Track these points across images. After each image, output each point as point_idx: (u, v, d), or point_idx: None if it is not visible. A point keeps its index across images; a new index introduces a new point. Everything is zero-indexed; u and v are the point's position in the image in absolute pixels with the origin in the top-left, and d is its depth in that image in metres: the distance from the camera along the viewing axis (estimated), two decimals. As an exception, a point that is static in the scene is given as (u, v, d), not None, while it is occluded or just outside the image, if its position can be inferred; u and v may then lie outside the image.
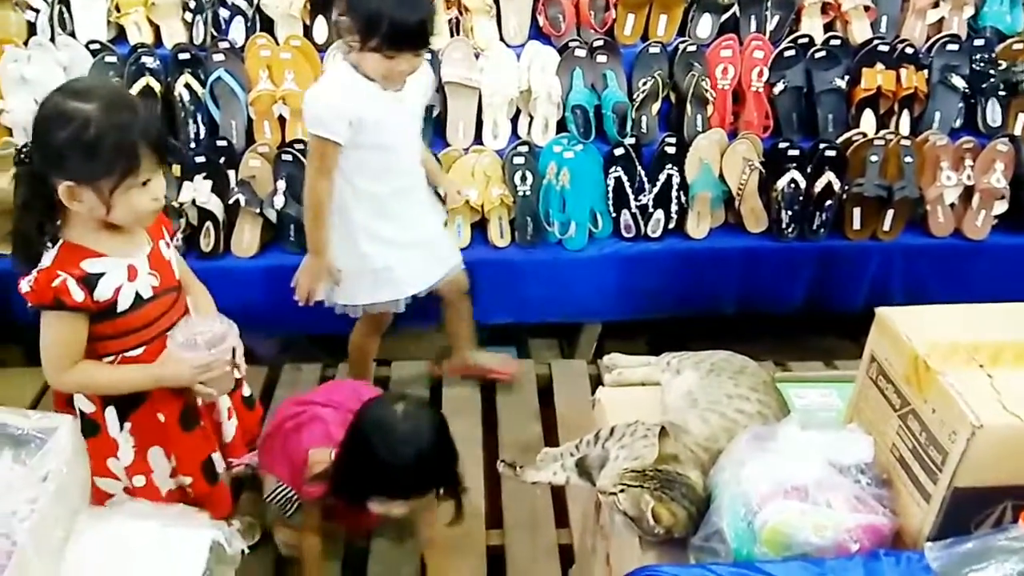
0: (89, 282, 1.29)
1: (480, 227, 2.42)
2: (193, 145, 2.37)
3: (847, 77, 2.49)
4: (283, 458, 1.68)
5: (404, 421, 1.50)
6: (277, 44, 2.43)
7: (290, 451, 1.66)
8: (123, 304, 1.34)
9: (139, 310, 1.36)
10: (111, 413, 1.42)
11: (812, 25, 2.58)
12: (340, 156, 1.84)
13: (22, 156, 1.27)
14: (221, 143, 2.34)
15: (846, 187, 2.40)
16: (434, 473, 1.55)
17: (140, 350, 1.40)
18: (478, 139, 2.47)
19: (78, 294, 1.28)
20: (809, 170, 2.40)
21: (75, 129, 1.21)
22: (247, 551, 1.23)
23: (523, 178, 2.38)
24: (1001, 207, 2.46)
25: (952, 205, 2.46)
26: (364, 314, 2.10)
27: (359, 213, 1.94)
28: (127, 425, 1.44)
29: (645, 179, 2.41)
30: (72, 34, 2.46)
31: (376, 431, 1.49)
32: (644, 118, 2.47)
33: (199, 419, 1.52)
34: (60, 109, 1.22)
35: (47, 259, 1.29)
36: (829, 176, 2.37)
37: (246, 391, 1.66)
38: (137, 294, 1.35)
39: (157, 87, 2.35)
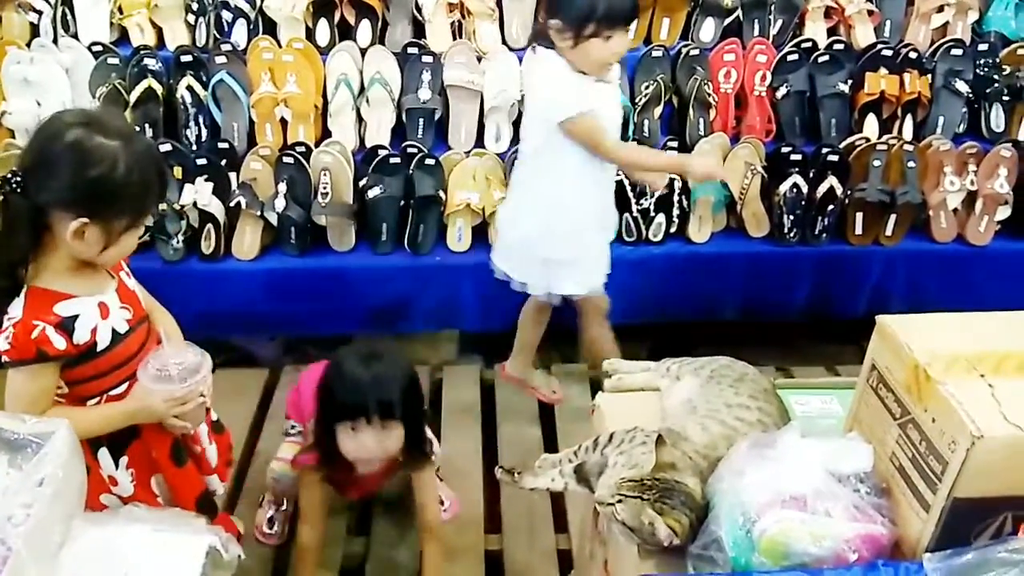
0: (66, 327, 1.25)
1: (481, 230, 2.42)
2: (195, 147, 2.37)
3: (850, 81, 2.48)
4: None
5: (364, 350, 1.62)
6: (279, 47, 2.43)
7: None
8: (102, 343, 1.30)
9: (118, 346, 1.33)
10: (104, 454, 1.39)
11: (815, 29, 2.57)
12: (573, 147, 1.91)
13: (13, 184, 1.20)
14: (223, 145, 2.34)
15: (848, 192, 2.39)
16: (392, 394, 1.55)
17: (123, 387, 1.36)
18: (480, 142, 2.46)
19: (59, 342, 1.23)
20: (811, 175, 2.39)
21: (105, 168, 1.18)
22: (243, 556, 1.23)
23: (525, 181, 2.37)
24: (1004, 213, 2.45)
25: (955, 210, 2.45)
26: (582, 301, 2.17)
27: (590, 201, 2.03)
28: (123, 459, 1.41)
29: (646, 185, 2.40)
30: (75, 36, 2.46)
31: (338, 360, 1.59)
32: (646, 122, 2.46)
33: (189, 452, 1.50)
34: (85, 146, 1.19)
35: (16, 309, 1.23)
36: (831, 181, 2.36)
37: (214, 415, 1.63)
38: (114, 331, 1.32)
39: (159, 89, 2.35)
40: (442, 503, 1.96)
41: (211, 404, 1.47)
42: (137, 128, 2.34)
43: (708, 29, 2.55)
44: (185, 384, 1.32)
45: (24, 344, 1.22)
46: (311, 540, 1.72)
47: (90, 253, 1.25)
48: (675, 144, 2.41)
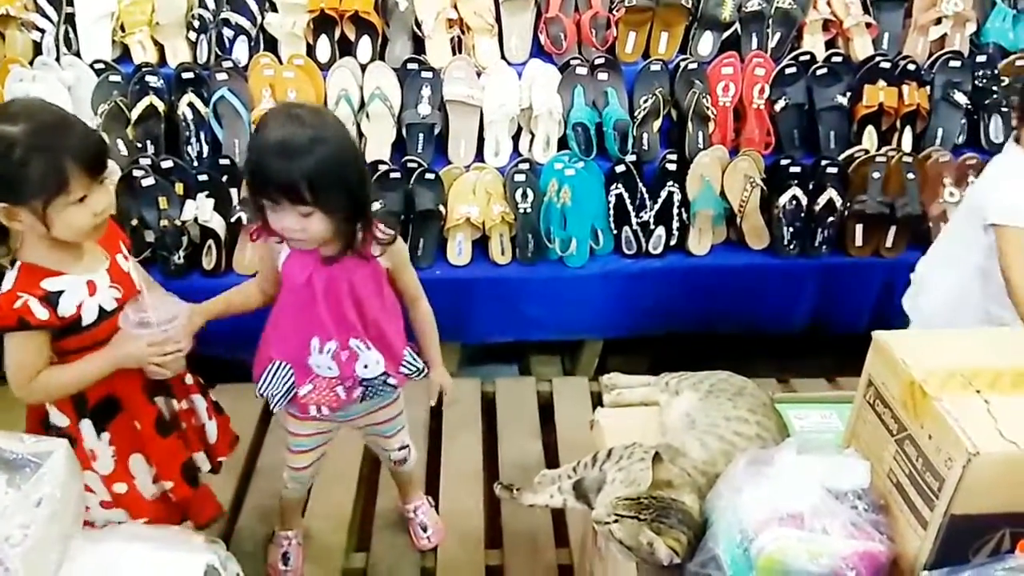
0: (51, 300, 1.32)
1: (481, 244, 2.43)
2: (196, 163, 2.38)
3: (849, 94, 2.49)
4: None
5: (286, 111, 1.36)
6: (280, 63, 2.44)
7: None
8: (88, 318, 1.36)
9: (104, 322, 1.38)
10: (87, 425, 1.44)
11: (814, 42, 2.58)
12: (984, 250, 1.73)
13: None
14: (224, 161, 2.35)
15: (848, 204, 2.39)
16: (297, 176, 1.29)
17: None
18: (479, 156, 2.47)
19: (41, 312, 1.30)
20: (811, 187, 2.40)
21: (1, 153, 1.23)
22: (241, 574, 1.23)
23: (524, 195, 2.38)
24: (1005, 224, 2.45)
25: (955, 222, 2.45)
26: None
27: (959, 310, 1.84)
28: (105, 435, 1.46)
29: (646, 196, 2.41)
30: (77, 54, 2.48)
31: (262, 122, 1.36)
32: (645, 135, 2.47)
33: (176, 424, 1.55)
34: None
35: (7, 282, 1.32)
36: (831, 193, 2.37)
37: (213, 396, 1.69)
38: (100, 308, 1.38)
39: (161, 106, 2.37)
40: (425, 529, 1.96)
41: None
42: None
43: (706, 43, 2.56)
44: (162, 329, 1.36)
45: (7, 313, 1.29)
46: (249, 286, 1.60)
47: (39, 231, 1.29)
48: (674, 157, 2.42)
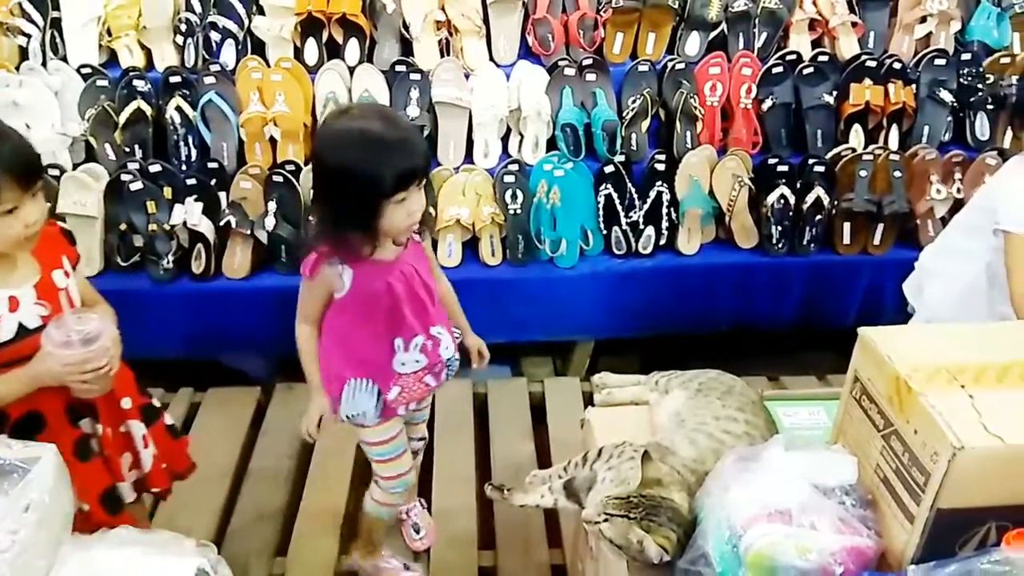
0: None
1: (471, 245, 2.43)
2: (184, 167, 2.37)
3: (835, 93, 2.51)
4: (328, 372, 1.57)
5: (366, 114, 1.40)
6: (268, 66, 2.44)
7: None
8: (4, 335, 1.32)
9: (24, 340, 1.34)
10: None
11: (800, 42, 2.60)
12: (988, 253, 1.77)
13: None
14: (212, 165, 2.35)
15: (835, 202, 2.41)
16: (423, 144, 1.41)
17: None
18: (469, 158, 2.48)
19: None
20: (798, 186, 2.41)
21: None
22: (233, 579, 1.22)
23: (514, 196, 2.38)
24: (991, 220, 2.47)
25: (942, 219, 2.46)
26: None
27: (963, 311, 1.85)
28: None
29: (635, 196, 2.42)
30: (64, 59, 2.47)
31: (355, 136, 1.35)
32: (634, 135, 2.48)
33: (99, 450, 1.50)
34: None
35: None
36: (818, 191, 2.38)
37: (167, 420, 1.65)
38: (21, 325, 1.33)
39: (148, 110, 2.36)
40: (418, 531, 1.96)
41: (113, 377, 1.41)
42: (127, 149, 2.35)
43: (693, 43, 2.57)
44: (85, 349, 1.33)
45: None
46: (314, 336, 1.56)
47: None
48: (663, 157, 2.43)
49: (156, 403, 1.62)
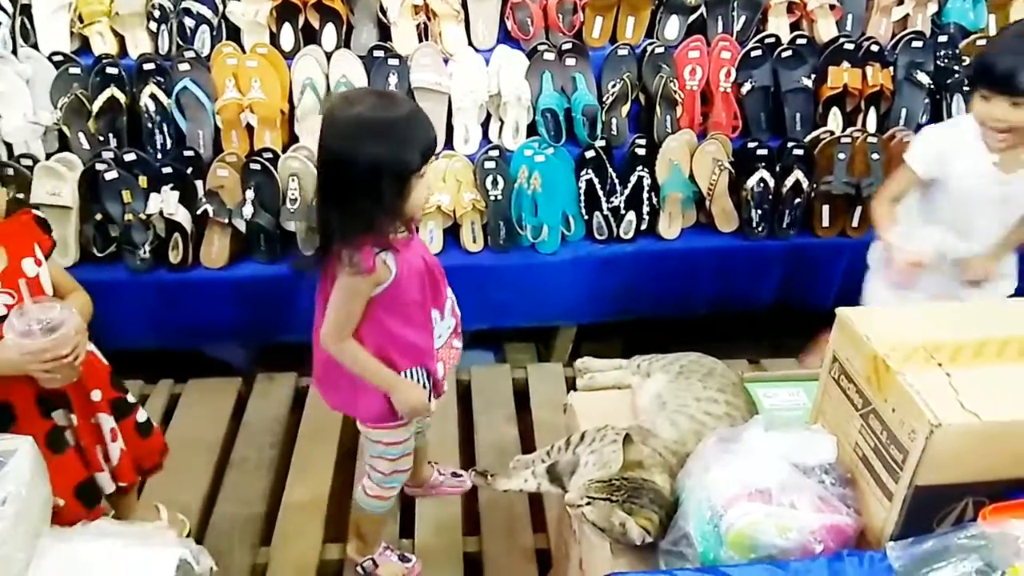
0: None
1: (452, 232, 2.42)
2: (160, 156, 2.34)
3: (814, 76, 2.51)
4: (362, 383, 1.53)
5: (363, 97, 1.40)
6: (243, 52, 2.41)
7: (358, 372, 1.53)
8: None
9: None
10: None
11: (778, 25, 2.60)
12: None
13: None
14: (188, 153, 2.32)
15: (814, 185, 2.42)
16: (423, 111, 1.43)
17: None
18: (449, 144, 2.46)
19: None
20: (778, 169, 2.42)
21: None
22: (215, 568, 1.22)
23: (495, 182, 2.37)
24: (967, 202, 2.49)
25: (920, 200, 2.49)
26: None
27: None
28: None
29: (616, 181, 2.41)
30: (35, 46, 2.42)
31: (368, 121, 1.34)
32: (614, 120, 2.47)
33: (73, 442, 1.49)
34: None
35: None
36: (797, 175, 2.39)
37: (141, 416, 1.64)
38: None
39: (122, 98, 2.33)
40: (458, 475, 2.05)
41: (79, 366, 1.39)
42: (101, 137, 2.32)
43: (673, 27, 2.57)
44: (46, 339, 1.32)
45: None
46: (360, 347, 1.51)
47: None
48: (643, 142, 2.43)
49: (130, 399, 1.61)
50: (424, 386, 1.56)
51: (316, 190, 1.47)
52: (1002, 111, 1.70)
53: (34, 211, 1.51)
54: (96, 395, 1.51)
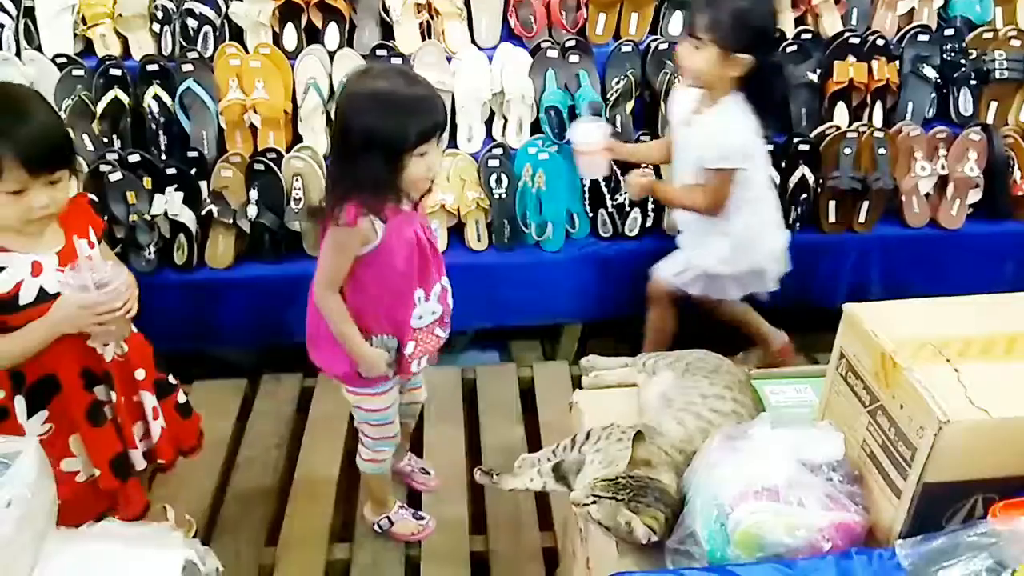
0: None
1: (457, 231, 2.41)
2: (164, 157, 2.34)
3: (819, 70, 2.50)
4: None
5: (384, 73, 1.51)
6: (246, 52, 2.40)
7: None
8: (25, 298, 1.36)
9: (44, 304, 1.37)
10: (20, 402, 1.44)
11: (783, 19, 2.58)
12: None
13: None
14: (192, 154, 2.32)
15: (821, 181, 2.40)
16: (438, 95, 1.50)
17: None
18: (452, 142, 2.45)
19: None
20: (783, 165, 2.40)
21: None
22: (221, 569, 1.22)
23: (499, 180, 2.37)
24: (975, 196, 2.47)
25: (927, 195, 2.47)
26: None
27: None
28: (42, 413, 1.47)
29: (622, 178, 2.40)
30: (38, 48, 2.43)
31: (374, 94, 1.43)
32: (619, 117, 2.46)
33: (111, 416, 1.53)
34: None
35: None
36: (803, 170, 2.38)
37: (181, 398, 1.69)
38: (42, 289, 1.37)
39: (126, 100, 2.33)
40: (427, 472, 2.09)
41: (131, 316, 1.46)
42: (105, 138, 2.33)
43: (676, 23, 2.55)
44: (99, 292, 1.36)
45: None
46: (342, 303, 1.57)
47: None
48: (648, 138, 2.42)
49: (172, 380, 1.66)
50: (389, 353, 1.61)
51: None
52: (685, 51, 1.87)
53: (89, 194, 1.59)
54: (140, 374, 1.55)
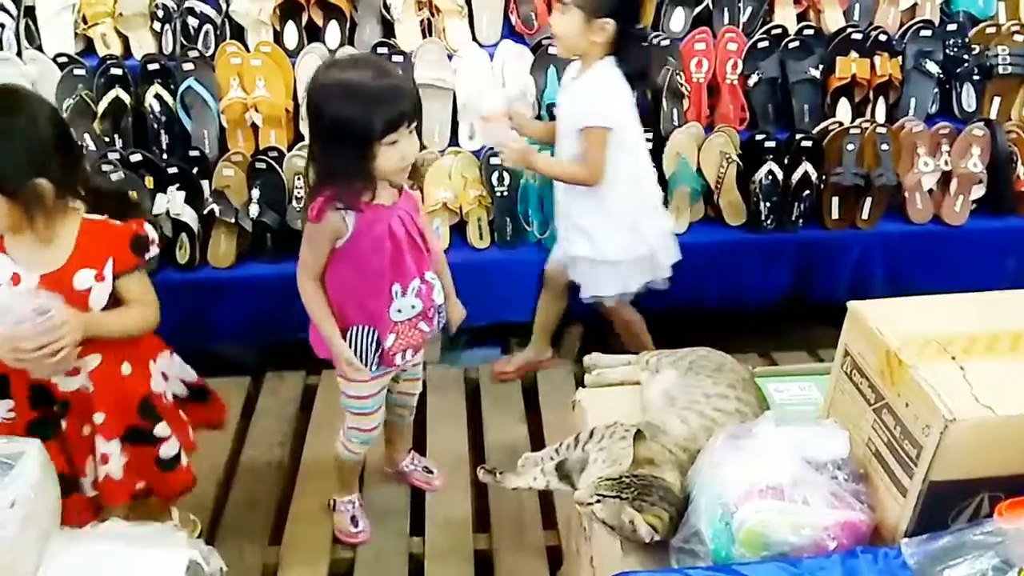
0: None
1: (459, 229, 2.41)
2: (165, 156, 2.34)
3: (821, 66, 2.49)
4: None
5: (353, 64, 1.52)
6: (247, 51, 2.40)
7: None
8: None
9: None
10: None
11: (785, 15, 2.58)
12: None
13: None
14: (194, 153, 2.32)
15: (823, 177, 2.40)
16: (413, 88, 1.51)
17: None
18: (454, 140, 2.45)
19: None
20: (786, 161, 2.40)
21: None
22: (225, 569, 1.22)
23: (500, 178, 2.36)
24: (979, 191, 2.47)
25: (930, 191, 2.47)
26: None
27: None
28: (7, 402, 1.43)
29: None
30: (39, 48, 2.43)
31: (341, 84, 1.44)
32: (620, 114, 2.45)
33: (59, 435, 1.46)
34: None
35: None
36: (806, 166, 2.37)
37: (166, 452, 1.55)
38: None
39: (127, 99, 2.32)
40: (431, 471, 2.07)
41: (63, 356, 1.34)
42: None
43: (678, 19, 2.55)
44: (8, 327, 1.29)
45: None
46: (319, 289, 1.60)
47: None
48: (650, 135, 2.40)
49: (158, 432, 1.52)
50: (366, 347, 1.62)
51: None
52: (555, 17, 1.90)
53: (145, 226, 1.46)
54: (99, 417, 1.45)
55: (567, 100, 2.02)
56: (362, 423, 1.77)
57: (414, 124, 1.48)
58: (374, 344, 1.62)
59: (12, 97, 1.37)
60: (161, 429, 1.53)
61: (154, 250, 1.48)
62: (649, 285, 2.18)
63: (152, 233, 1.47)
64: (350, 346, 1.62)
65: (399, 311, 1.61)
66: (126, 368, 1.48)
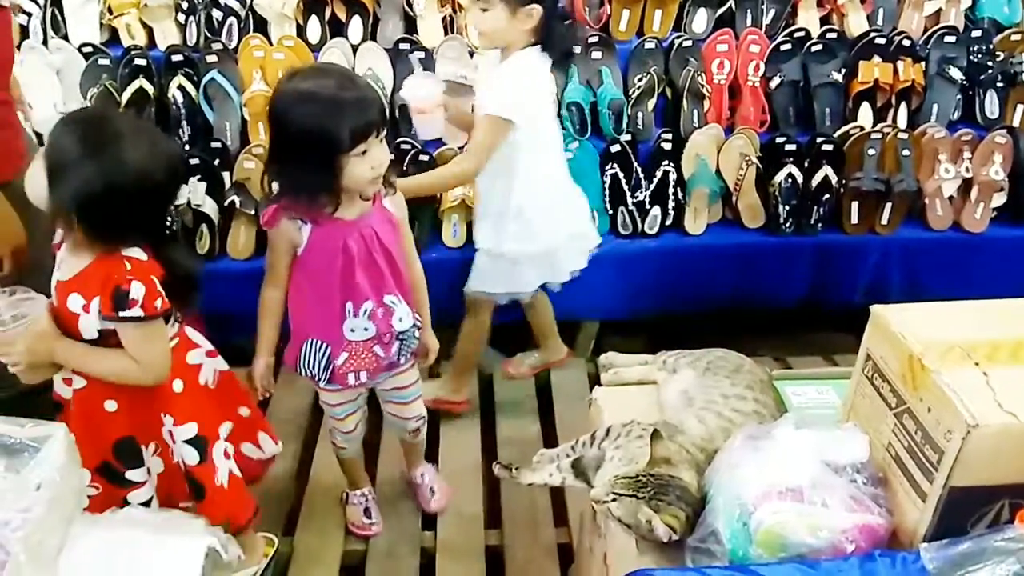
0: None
1: (477, 226, 2.41)
2: (187, 147, 2.36)
3: (844, 70, 2.48)
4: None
5: (316, 75, 1.46)
6: (270, 44, 2.42)
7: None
8: None
9: None
10: None
11: (808, 18, 2.57)
12: None
13: None
14: (215, 145, 2.33)
15: (844, 181, 2.39)
16: (379, 98, 1.48)
17: None
18: (474, 137, 2.45)
19: None
20: (806, 164, 2.39)
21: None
22: (242, 557, 1.23)
23: (519, 176, 2.36)
24: (1000, 199, 2.45)
25: (951, 198, 2.45)
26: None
27: None
28: None
29: (642, 176, 2.39)
30: (65, 37, 2.45)
31: (309, 96, 1.39)
32: (640, 114, 2.45)
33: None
34: None
35: None
36: (826, 170, 2.36)
37: (136, 499, 1.50)
38: None
39: (151, 89, 2.34)
40: (433, 492, 2.00)
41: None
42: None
43: (701, 20, 2.55)
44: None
45: None
46: (275, 300, 1.61)
47: None
48: (669, 136, 2.41)
49: (131, 476, 1.48)
50: (317, 361, 1.61)
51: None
52: (476, 18, 1.81)
53: (135, 284, 1.32)
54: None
55: (482, 89, 1.95)
56: (339, 425, 1.80)
57: (383, 133, 1.45)
58: (324, 359, 1.61)
59: (107, 130, 1.29)
60: (136, 475, 1.49)
61: (135, 312, 1.31)
62: (547, 286, 2.17)
63: (138, 295, 1.31)
64: (304, 357, 1.62)
65: (352, 330, 1.58)
66: (110, 405, 1.43)
